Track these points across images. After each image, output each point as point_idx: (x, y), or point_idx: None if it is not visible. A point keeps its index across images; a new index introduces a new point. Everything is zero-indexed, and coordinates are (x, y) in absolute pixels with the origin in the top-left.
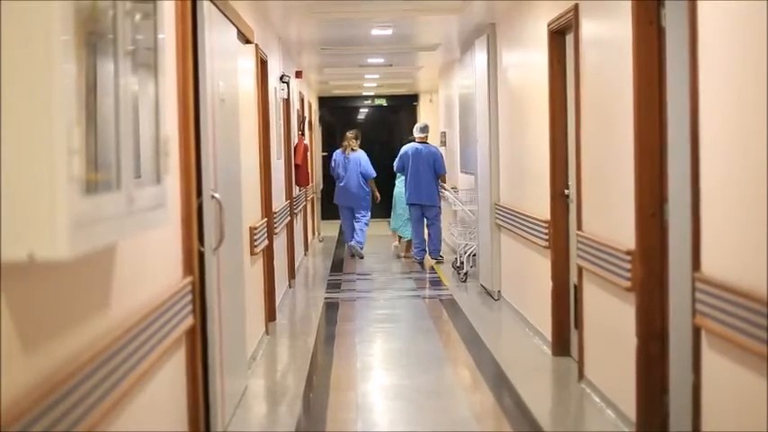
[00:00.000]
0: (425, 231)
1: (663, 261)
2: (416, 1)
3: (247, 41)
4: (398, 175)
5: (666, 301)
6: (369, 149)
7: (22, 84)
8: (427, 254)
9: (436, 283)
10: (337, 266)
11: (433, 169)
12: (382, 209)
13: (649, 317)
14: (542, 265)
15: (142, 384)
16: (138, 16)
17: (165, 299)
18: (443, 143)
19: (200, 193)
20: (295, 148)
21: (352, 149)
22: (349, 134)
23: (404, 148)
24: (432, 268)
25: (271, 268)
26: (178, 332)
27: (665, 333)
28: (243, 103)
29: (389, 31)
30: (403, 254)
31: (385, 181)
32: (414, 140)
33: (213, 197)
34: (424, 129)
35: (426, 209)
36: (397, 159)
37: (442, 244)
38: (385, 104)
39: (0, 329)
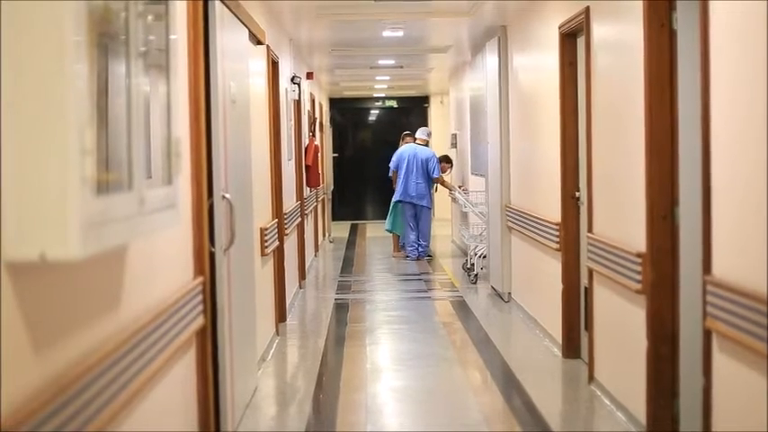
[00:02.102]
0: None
1: (673, 264)
2: (427, 3)
3: (259, 43)
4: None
5: (677, 303)
6: (378, 150)
7: (35, 84)
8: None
9: (446, 284)
10: (347, 267)
11: (427, 171)
12: (384, 210)
13: (660, 319)
14: (553, 268)
15: (152, 384)
16: (150, 17)
17: (176, 299)
18: (454, 145)
19: (211, 194)
20: (306, 149)
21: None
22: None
23: (401, 149)
24: (428, 264)
25: (281, 269)
26: (189, 332)
27: (676, 336)
28: (254, 104)
29: (400, 33)
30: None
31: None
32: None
33: (224, 198)
34: (429, 134)
35: (418, 208)
36: (393, 158)
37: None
38: (395, 106)
39: (13, 329)
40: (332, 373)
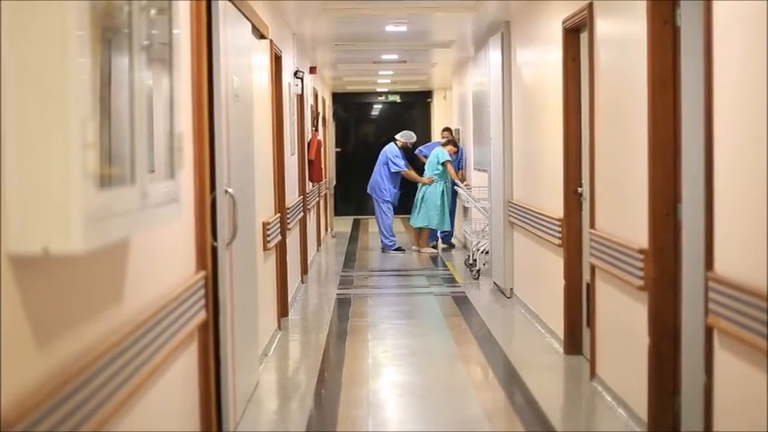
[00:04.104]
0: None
1: (676, 260)
2: None
3: (262, 37)
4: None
5: (679, 300)
6: (381, 145)
7: (38, 78)
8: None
9: (449, 280)
10: (350, 263)
11: (388, 166)
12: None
13: (662, 316)
14: (555, 263)
15: (154, 379)
16: (153, 12)
17: (178, 293)
18: (457, 140)
19: (213, 188)
20: (308, 144)
21: None
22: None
23: None
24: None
25: (283, 264)
26: (190, 327)
27: (678, 332)
28: (257, 98)
29: (404, 28)
30: (414, 246)
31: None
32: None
33: (227, 192)
34: (403, 135)
35: (377, 201)
36: None
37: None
38: (399, 101)
39: (15, 323)
40: (334, 368)
